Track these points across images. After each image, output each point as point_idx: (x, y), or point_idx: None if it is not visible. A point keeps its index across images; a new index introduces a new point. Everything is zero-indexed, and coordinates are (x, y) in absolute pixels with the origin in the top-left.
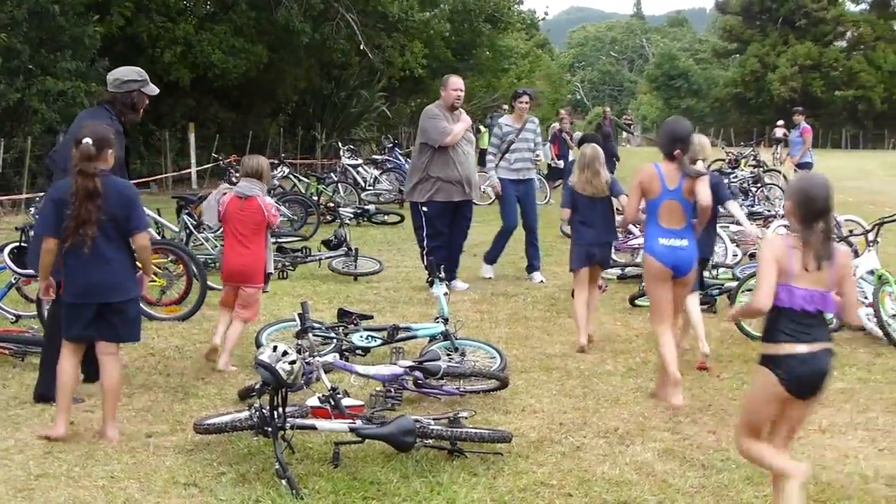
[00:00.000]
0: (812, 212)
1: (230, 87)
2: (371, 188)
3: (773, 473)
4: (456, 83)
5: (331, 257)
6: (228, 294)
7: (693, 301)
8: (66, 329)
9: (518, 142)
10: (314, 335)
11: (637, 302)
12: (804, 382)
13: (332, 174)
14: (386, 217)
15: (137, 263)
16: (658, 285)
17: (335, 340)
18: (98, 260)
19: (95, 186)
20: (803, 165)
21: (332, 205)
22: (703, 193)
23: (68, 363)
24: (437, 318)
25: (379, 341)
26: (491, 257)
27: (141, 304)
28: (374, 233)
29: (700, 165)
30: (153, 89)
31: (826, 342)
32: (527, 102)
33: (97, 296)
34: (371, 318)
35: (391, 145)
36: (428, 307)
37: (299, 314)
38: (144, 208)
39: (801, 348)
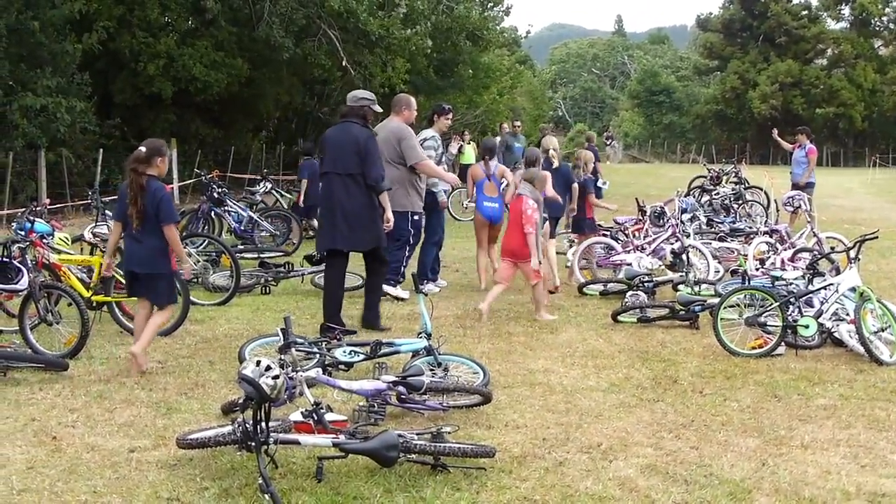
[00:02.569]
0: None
1: (212, 103)
2: None
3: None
4: (415, 104)
5: (313, 273)
6: (506, 267)
7: (551, 246)
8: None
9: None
10: (297, 350)
11: (620, 318)
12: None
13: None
14: None
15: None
16: (480, 227)
17: (318, 355)
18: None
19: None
20: (807, 185)
21: (314, 220)
22: (509, 177)
23: (139, 315)
24: (420, 333)
25: (362, 356)
26: (434, 272)
27: (122, 318)
28: None
29: (553, 154)
30: (378, 108)
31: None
32: (450, 119)
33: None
34: (354, 333)
35: None
36: (411, 322)
37: (282, 329)
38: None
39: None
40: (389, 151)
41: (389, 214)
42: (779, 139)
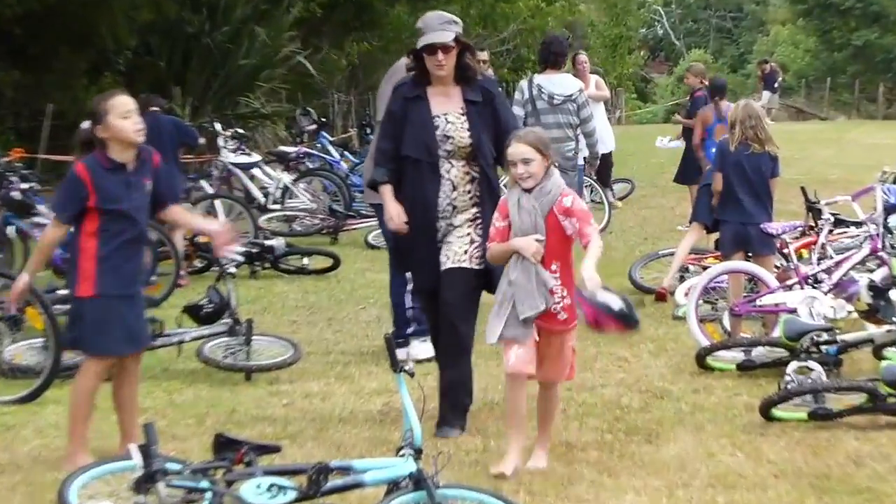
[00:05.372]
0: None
1: (11, 23)
2: (278, 206)
3: None
4: None
5: (201, 337)
6: None
7: None
8: None
9: None
10: (168, 486)
11: (776, 412)
12: None
13: (203, 181)
14: (306, 260)
15: None
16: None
17: (210, 494)
18: None
19: None
20: None
21: (202, 239)
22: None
23: None
24: (402, 447)
25: (292, 495)
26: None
27: None
28: (285, 289)
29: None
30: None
31: None
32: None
33: None
34: (278, 449)
35: (314, 126)
36: (384, 428)
37: (140, 446)
38: None
39: None
40: None
41: None
42: None
